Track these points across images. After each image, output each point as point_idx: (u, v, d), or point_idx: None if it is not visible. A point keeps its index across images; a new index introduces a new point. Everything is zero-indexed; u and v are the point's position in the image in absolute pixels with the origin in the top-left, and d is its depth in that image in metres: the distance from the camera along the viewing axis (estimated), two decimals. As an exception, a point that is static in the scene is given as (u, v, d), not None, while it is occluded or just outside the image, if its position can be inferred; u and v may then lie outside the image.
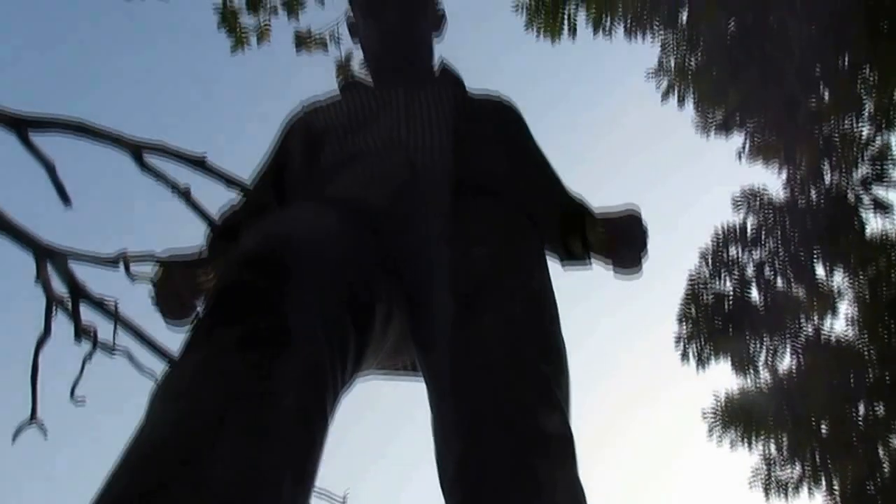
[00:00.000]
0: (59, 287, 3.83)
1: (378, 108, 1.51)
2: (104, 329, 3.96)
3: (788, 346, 4.84)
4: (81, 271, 3.88)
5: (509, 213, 1.37)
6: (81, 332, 3.76)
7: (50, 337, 3.79)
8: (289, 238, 1.15)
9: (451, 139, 1.45)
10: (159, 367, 4.18)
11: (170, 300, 1.38)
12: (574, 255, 1.50)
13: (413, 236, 1.30)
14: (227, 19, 5.18)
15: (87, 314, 3.96)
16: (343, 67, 6.08)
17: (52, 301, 3.64)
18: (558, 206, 1.52)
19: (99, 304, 3.91)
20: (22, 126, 3.47)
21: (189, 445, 0.84)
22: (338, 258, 1.15)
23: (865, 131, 4.50)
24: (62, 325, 3.83)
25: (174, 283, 1.38)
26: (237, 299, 1.03)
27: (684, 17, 5.01)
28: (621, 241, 1.39)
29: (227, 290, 1.06)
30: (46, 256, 3.57)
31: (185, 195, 4.01)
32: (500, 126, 1.59)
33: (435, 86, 1.59)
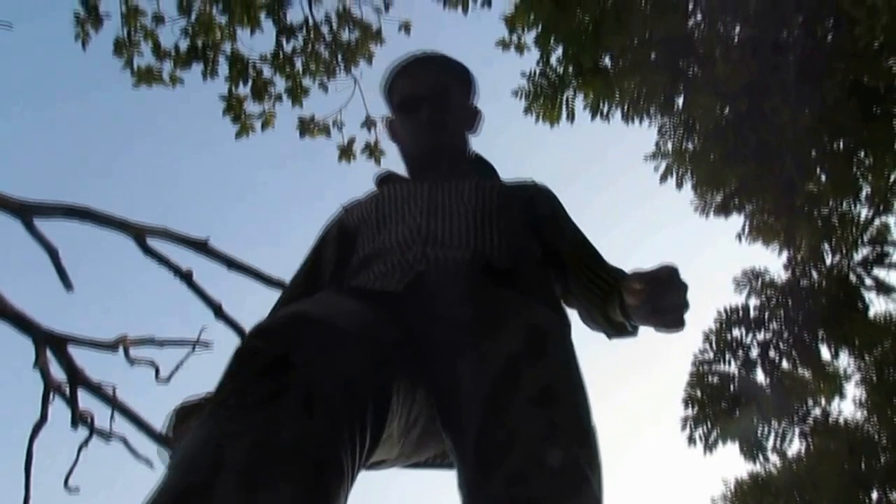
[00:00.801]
0: (57, 372, 3.81)
1: (404, 202, 1.56)
2: (101, 414, 3.92)
3: (797, 429, 4.75)
4: (81, 354, 3.86)
5: (537, 303, 1.38)
6: (79, 418, 3.71)
7: (46, 423, 3.75)
8: (305, 312, 1.18)
9: (474, 228, 1.48)
10: (155, 454, 4.09)
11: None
12: (616, 325, 1.49)
13: (431, 322, 1.30)
14: (233, 107, 5.31)
15: (84, 398, 3.92)
16: (346, 151, 6.18)
17: (49, 387, 3.61)
18: (598, 280, 1.52)
19: (97, 390, 3.87)
20: (26, 213, 3.51)
21: (185, 493, 0.86)
22: (355, 331, 1.16)
23: (863, 213, 4.54)
24: (58, 410, 3.78)
25: (187, 427, 1.42)
26: (247, 365, 1.06)
27: (680, 103, 5.13)
28: (657, 295, 1.30)
29: (239, 356, 1.09)
30: (46, 342, 3.56)
31: (187, 278, 4.02)
32: (535, 208, 1.63)
33: (465, 177, 1.64)
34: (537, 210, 1.63)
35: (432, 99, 1.68)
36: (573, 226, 1.66)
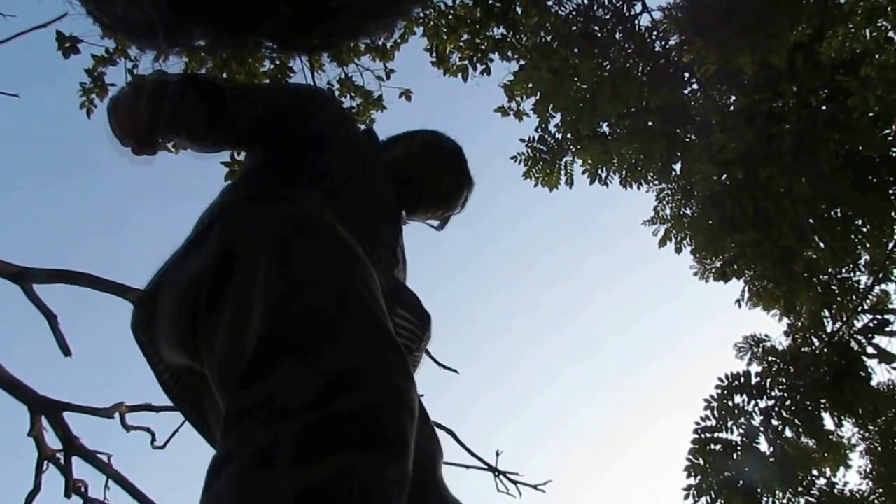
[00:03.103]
0: (51, 440, 3.75)
1: (376, 200, 1.69)
2: (95, 481, 3.86)
3: (802, 500, 4.66)
4: (76, 420, 3.81)
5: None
6: (72, 488, 3.65)
7: (39, 493, 3.69)
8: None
9: None
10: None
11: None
12: None
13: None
14: (235, 172, 5.34)
15: (78, 464, 3.86)
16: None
17: (43, 456, 3.56)
18: None
19: (91, 458, 3.81)
20: (25, 278, 3.51)
21: None
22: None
23: (863, 280, 4.55)
24: (52, 479, 3.73)
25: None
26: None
27: (678, 169, 5.18)
28: None
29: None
30: (41, 410, 3.52)
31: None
32: None
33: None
34: None
35: (447, 218, 2.03)
36: None
